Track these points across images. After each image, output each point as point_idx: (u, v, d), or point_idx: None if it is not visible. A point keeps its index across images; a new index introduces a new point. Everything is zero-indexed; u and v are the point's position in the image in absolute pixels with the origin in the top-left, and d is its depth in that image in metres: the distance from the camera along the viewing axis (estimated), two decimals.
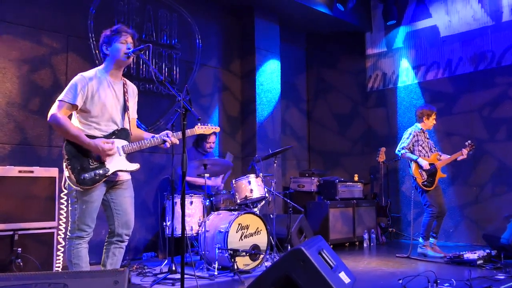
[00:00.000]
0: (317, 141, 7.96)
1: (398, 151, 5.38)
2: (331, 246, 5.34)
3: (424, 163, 5.21)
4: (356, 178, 6.82)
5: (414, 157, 5.27)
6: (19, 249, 3.86)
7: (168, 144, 3.09)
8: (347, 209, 6.33)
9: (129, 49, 3.02)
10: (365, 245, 6.23)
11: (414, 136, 5.36)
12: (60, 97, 2.91)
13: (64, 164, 2.87)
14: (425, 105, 5.93)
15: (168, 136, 3.08)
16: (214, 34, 6.62)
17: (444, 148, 6.22)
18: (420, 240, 5.33)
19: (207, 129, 3.41)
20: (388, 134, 7.24)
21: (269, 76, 6.86)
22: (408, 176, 6.86)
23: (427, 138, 5.49)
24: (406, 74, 7.15)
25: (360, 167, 7.27)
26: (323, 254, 2.92)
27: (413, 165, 5.29)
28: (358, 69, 7.72)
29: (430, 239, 5.29)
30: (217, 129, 3.53)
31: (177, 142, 3.13)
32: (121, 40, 3.02)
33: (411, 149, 5.35)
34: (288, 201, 5.40)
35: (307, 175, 6.98)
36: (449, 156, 5.39)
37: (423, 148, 5.37)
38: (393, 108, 7.26)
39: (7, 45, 4.68)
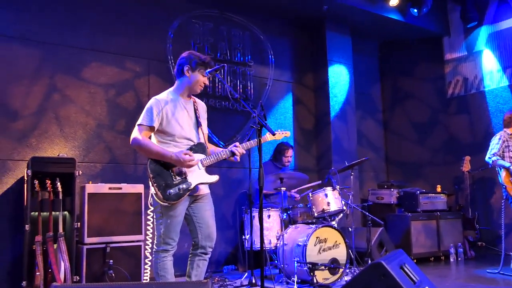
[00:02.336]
0: (395, 152, 7.72)
1: (489, 158, 5.05)
2: (414, 260, 5.13)
3: None
4: (439, 189, 6.51)
5: (507, 164, 4.92)
6: (111, 261, 4.13)
7: (237, 158, 3.18)
8: (430, 222, 6.04)
9: (205, 83, 3.22)
10: (451, 259, 5.90)
11: (504, 142, 5.02)
12: (139, 121, 3.10)
13: (150, 182, 3.03)
14: None
15: (235, 147, 3.18)
16: (286, 49, 6.71)
17: None
18: None
19: (278, 135, 3.46)
20: (472, 142, 6.85)
21: (343, 87, 6.80)
22: (498, 186, 6.42)
23: None
24: (490, 78, 6.74)
25: (443, 178, 6.92)
26: (405, 269, 2.82)
27: (503, 173, 4.95)
28: (436, 76, 7.41)
29: None
30: (288, 134, 3.60)
31: (244, 152, 3.21)
32: (204, 73, 3.17)
33: (501, 155, 5.01)
34: (367, 213, 5.28)
35: (385, 186, 6.78)
36: None
37: None
38: (477, 114, 6.86)
39: (96, 72, 5.08)
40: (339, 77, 6.77)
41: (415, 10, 6.64)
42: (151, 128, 3.09)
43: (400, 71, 7.78)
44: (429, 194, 6.31)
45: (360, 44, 7.40)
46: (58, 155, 4.49)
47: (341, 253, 4.50)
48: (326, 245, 4.45)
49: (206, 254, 3.17)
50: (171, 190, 3.01)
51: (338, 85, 6.75)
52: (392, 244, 5.64)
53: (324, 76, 6.70)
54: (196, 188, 3.11)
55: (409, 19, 6.81)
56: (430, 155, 7.34)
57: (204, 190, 3.21)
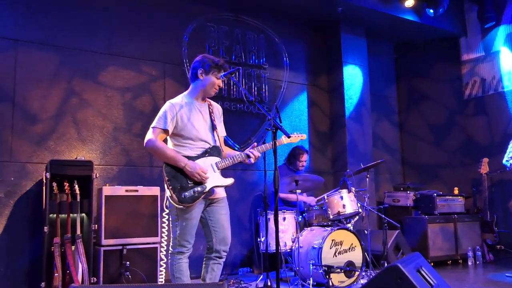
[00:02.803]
0: (411, 154, 7.64)
1: (507, 161, 4.97)
2: (431, 263, 5.07)
3: None
4: (456, 192, 6.42)
5: None
6: (127, 262, 4.17)
7: (252, 160, 3.17)
8: (447, 225, 5.97)
9: (219, 86, 3.23)
10: (469, 263, 5.82)
11: None
12: (153, 124, 3.13)
13: (165, 185, 3.06)
14: None
15: (251, 150, 3.17)
16: (301, 51, 6.70)
17: None
18: None
19: (294, 137, 3.44)
20: (490, 143, 6.74)
21: (358, 89, 6.76)
22: None
23: None
24: (508, 79, 6.64)
25: (460, 180, 6.83)
26: (422, 272, 2.79)
27: None
28: (453, 77, 7.32)
29: None
30: (304, 137, 3.52)
31: (259, 155, 3.20)
32: (218, 76, 3.19)
33: None
34: (383, 216, 5.23)
35: (402, 189, 6.72)
36: None
37: None
38: (495, 115, 6.76)
39: (113, 76, 5.15)
40: (354, 79, 6.74)
41: (431, 11, 6.57)
42: (165, 132, 3.11)
43: (416, 72, 7.70)
44: (446, 197, 6.23)
45: (375, 46, 7.36)
46: (76, 158, 4.55)
47: (357, 256, 4.48)
48: (342, 248, 4.43)
49: (220, 258, 3.18)
50: (186, 193, 3.03)
51: (353, 87, 6.71)
52: (408, 247, 5.59)
53: (339, 78, 6.68)
54: (211, 191, 3.12)
55: (425, 20, 6.75)
56: (447, 157, 7.25)
57: (220, 193, 3.22)
